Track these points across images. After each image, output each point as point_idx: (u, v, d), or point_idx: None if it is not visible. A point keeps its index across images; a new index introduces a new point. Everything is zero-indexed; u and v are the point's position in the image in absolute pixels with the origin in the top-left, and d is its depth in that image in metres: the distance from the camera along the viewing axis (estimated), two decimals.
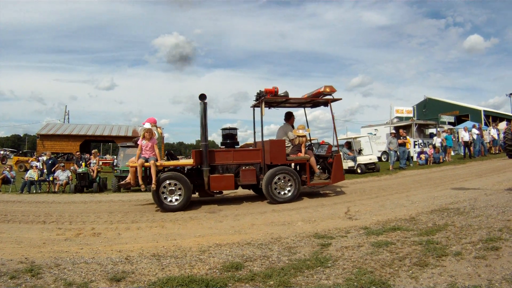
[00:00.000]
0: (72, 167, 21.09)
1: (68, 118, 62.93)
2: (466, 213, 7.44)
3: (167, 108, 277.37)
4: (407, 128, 29.62)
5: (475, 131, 26.65)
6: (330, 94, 12.16)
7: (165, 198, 10.55)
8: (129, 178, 11.24)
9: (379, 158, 27.80)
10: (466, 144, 26.09)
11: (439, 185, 12.39)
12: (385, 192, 11.82)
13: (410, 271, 4.42)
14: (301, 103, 13.49)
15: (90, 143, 50.73)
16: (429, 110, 52.21)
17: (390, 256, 4.99)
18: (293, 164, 12.23)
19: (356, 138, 24.59)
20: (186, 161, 11.48)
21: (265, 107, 12.05)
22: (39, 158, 25.35)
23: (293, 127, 12.72)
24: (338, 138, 12.60)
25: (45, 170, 20.14)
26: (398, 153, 21.64)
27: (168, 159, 11.66)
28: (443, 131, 29.03)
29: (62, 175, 18.81)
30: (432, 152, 24.61)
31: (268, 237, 6.54)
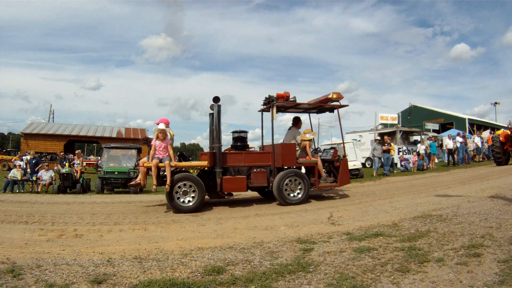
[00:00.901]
0: (55, 167, 20.97)
1: (53, 117, 62.68)
2: (449, 219, 7.47)
3: (152, 110, 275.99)
4: (391, 135, 29.77)
5: (459, 139, 26.91)
6: (338, 101, 12.42)
7: (178, 198, 10.55)
8: (139, 178, 11.40)
9: (363, 164, 27.98)
10: (450, 152, 26.34)
11: (422, 192, 12.46)
12: (368, 198, 11.85)
13: (392, 277, 4.43)
14: (308, 109, 13.67)
15: (74, 143, 50.60)
16: (414, 117, 52.60)
17: (372, 262, 5.00)
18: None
19: (339, 144, 24.66)
20: (200, 163, 11.54)
21: (264, 111, 12.96)
22: (23, 157, 25.20)
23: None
24: (321, 144, 12.75)
25: (28, 170, 20.02)
26: (382, 160, 21.76)
27: (179, 160, 11.66)
28: (427, 138, 29.23)
29: (45, 175, 18.71)
30: (416, 159, 24.77)
31: (250, 241, 6.52)
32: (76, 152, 23.46)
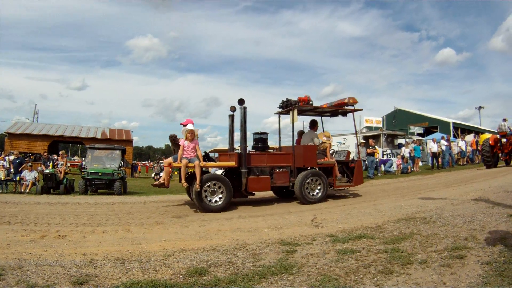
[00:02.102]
0: (39, 168, 20.83)
1: (38, 117, 62.27)
2: (433, 222, 7.49)
3: (137, 111, 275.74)
4: (376, 138, 29.91)
5: (443, 142, 27.15)
6: (352, 105, 12.98)
7: (206, 197, 10.74)
8: (163, 178, 11.47)
9: None
10: (434, 155, 26.56)
11: (406, 195, 12.54)
12: (352, 201, 11.93)
13: (375, 279, 4.42)
14: (323, 112, 14.06)
15: (58, 143, 50.20)
16: (399, 120, 52.83)
17: (355, 264, 4.99)
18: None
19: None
20: (228, 163, 11.77)
21: (281, 113, 13.69)
22: (6, 157, 24.98)
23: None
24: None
25: (12, 170, 19.86)
26: (367, 163, 21.83)
27: (205, 161, 11.69)
28: (412, 142, 29.40)
29: (29, 176, 18.59)
30: (401, 162, 24.92)
31: (233, 243, 6.48)
32: (60, 152, 23.39)
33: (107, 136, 46.06)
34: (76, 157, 56.62)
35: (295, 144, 13.01)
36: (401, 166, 25.08)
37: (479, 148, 31.96)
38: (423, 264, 4.87)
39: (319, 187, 12.00)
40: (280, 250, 5.90)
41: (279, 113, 13.88)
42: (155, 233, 7.69)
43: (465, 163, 30.48)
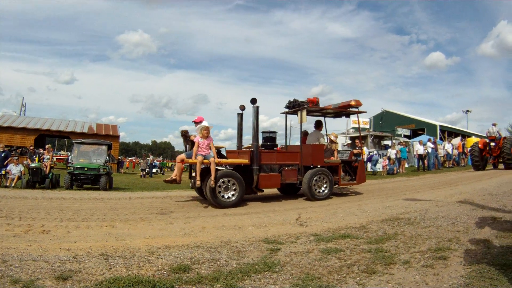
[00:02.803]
0: (25, 162, 20.70)
1: (25, 110, 61.89)
2: (417, 223, 7.53)
3: (125, 106, 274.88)
4: (363, 139, 30.05)
5: (430, 144, 27.37)
6: (357, 107, 13.62)
7: (219, 193, 10.96)
8: (175, 174, 11.50)
9: None
10: (420, 157, 26.78)
11: (391, 196, 12.62)
12: (337, 201, 11.98)
13: (358, 278, 4.44)
14: (328, 113, 14.64)
15: (45, 137, 49.77)
16: (386, 122, 53.01)
17: (339, 263, 5.01)
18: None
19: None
20: (241, 160, 11.97)
21: (288, 113, 14.20)
22: None
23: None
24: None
25: None
26: None
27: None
28: (398, 143, 29.56)
29: (14, 169, 18.44)
30: (387, 163, 25.04)
31: (218, 240, 6.48)
32: (46, 146, 23.23)
33: (94, 131, 45.79)
34: (62, 152, 56.38)
35: (299, 144, 13.62)
36: (387, 167, 25.21)
37: (465, 151, 32.56)
38: (406, 264, 4.90)
39: (325, 185, 12.47)
40: (264, 248, 5.91)
41: (286, 113, 14.28)
42: (140, 229, 7.67)
43: (451, 165, 30.70)
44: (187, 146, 12.36)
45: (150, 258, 5.34)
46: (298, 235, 6.79)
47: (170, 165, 60.84)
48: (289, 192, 14.03)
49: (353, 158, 14.71)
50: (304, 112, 12.82)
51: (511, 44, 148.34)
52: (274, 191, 14.10)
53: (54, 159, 22.92)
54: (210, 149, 11.27)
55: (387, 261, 4.99)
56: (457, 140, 36.66)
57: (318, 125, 14.36)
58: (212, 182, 10.63)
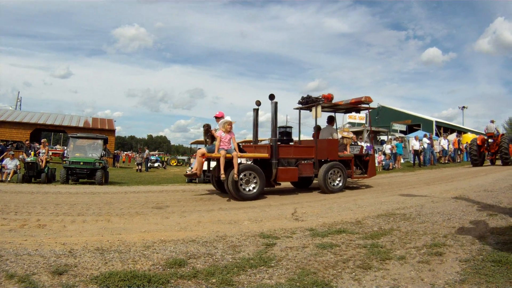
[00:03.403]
0: (21, 156, 20.66)
1: (20, 105, 61.88)
2: (412, 219, 7.54)
3: (121, 100, 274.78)
4: (358, 134, 30.12)
5: (426, 140, 27.49)
6: (368, 103, 14.10)
7: (241, 185, 11.29)
8: (196, 168, 11.85)
9: None
10: (416, 153, 26.88)
11: (387, 191, 12.67)
12: (332, 196, 11.95)
13: (353, 273, 4.44)
14: (339, 109, 15.18)
15: (41, 132, 49.73)
16: (382, 117, 53.07)
17: (334, 258, 5.01)
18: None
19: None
20: (261, 154, 12.28)
21: (302, 109, 14.59)
22: None
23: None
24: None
25: None
26: None
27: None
28: (394, 139, 29.62)
29: (10, 164, 18.42)
30: (383, 158, 25.09)
31: (213, 235, 6.47)
32: (42, 141, 23.16)
33: (89, 125, 45.76)
34: (58, 146, 56.16)
35: (312, 139, 14.70)
36: (383, 162, 25.26)
37: (461, 147, 32.78)
38: (401, 260, 4.90)
39: (339, 178, 12.96)
40: (259, 243, 5.90)
41: (299, 109, 14.66)
42: (135, 223, 7.66)
43: (446, 161, 30.85)
44: (207, 140, 12.56)
45: (146, 252, 5.33)
46: (294, 230, 6.79)
47: (166, 159, 60.90)
48: (302, 185, 14.42)
49: (363, 152, 15.35)
50: (319, 108, 13.25)
51: (507, 41, 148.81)
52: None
53: (50, 153, 22.85)
54: (232, 143, 11.54)
55: (383, 257, 4.99)
56: (453, 136, 36.81)
57: (331, 120, 14.79)
58: (235, 176, 10.92)
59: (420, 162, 27.17)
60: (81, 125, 44.98)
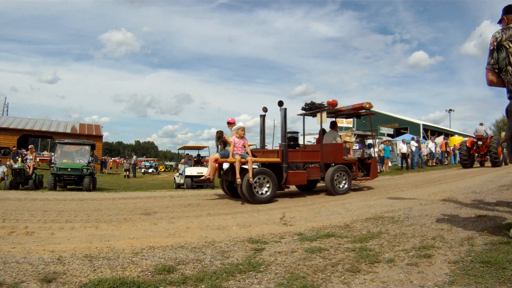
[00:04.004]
0: (8, 162, 20.57)
1: (7, 110, 61.67)
2: (401, 221, 7.57)
3: (108, 106, 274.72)
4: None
5: (414, 143, 27.66)
6: (368, 109, 14.65)
7: (254, 188, 11.62)
8: (209, 173, 12.10)
9: None
10: (404, 156, 27.11)
11: (375, 194, 12.76)
12: (321, 200, 12.04)
13: (342, 277, 4.44)
14: (341, 114, 16.04)
15: (28, 138, 49.53)
16: (369, 121, 53.16)
17: (323, 262, 5.01)
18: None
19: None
20: (273, 159, 12.73)
21: (306, 115, 15.28)
22: None
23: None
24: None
25: None
26: None
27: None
28: (381, 142, 29.79)
29: None
30: None
31: (202, 240, 6.47)
32: (29, 147, 23.08)
33: (77, 131, 45.69)
34: (45, 152, 56.00)
35: (315, 143, 15.76)
36: None
37: (448, 149, 32.93)
38: (390, 263, 4.90)
39: (344, 181, 13.54)
40: (248, 248, 5.90)
41: (304, 115, 15.30)
42: (124, 230, 7.63)
43: (434, 164, 31.09)
44: (219, 146, 12.84)
45: (135, 259, 5.31)
46: (283, 235, 6.79)
47: (154, 165, 60.94)
48: (307, 188, 15.02)
49: (365, 155, 16.19)
50: (324, 114, 13.86)
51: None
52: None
53: (37, 159, 22.76)
54: (245, 148, 11.97)
55: (372, 260, 5.00)
56: (440, 139, 37.04)
57: (333, 125, 15.32)
58: (251, 180, 11.25)
59: (408, 165, 27.38)
60: (68, 131, 44.89)
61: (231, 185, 12.82)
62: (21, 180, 17.99)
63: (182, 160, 25.00)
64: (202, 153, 27.92)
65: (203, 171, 21.31)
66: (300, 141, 17.04)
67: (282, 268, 4.82)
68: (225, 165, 13.22)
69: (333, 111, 14.61)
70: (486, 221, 7.19)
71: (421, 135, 46.50)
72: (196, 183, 13.81)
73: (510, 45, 5.46)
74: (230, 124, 13.05)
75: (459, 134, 46.70)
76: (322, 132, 14.85)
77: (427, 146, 31.06)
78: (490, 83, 5.83)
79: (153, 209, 10.58)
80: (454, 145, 34.23)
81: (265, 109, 13.82)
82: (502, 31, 5.65)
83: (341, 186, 13.39)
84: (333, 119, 15.91)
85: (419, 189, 13.73)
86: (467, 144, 25.53)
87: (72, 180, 18.29)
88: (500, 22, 5.95)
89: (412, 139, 29.54)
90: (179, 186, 21.74)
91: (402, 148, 27.17)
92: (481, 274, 4.32)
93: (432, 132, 53.48)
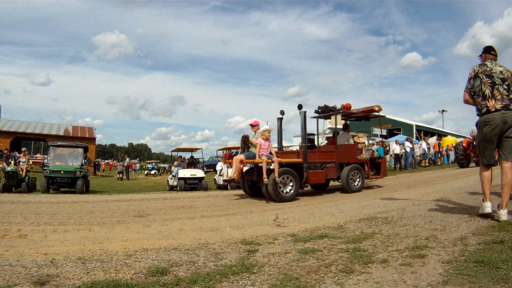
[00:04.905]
0: (0, 165, 20.48)
1: (0, 113, 61.25)
2: (394, 222, 7.58)
3: (101, 108, 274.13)
4: None
5: (408, 144, 27.81)
6: (378, 112, 15.31)
7: (280, 188, 12.13)
8: (233, 173, 12.57)
9: None
10: (397, 157, 27.25)
11: (368, 195, 12.78)
12: (314, 201, 12.02)
13: (336, 278, 4.44)
14: (351, 117, 16.55)
15: (21, 140, 49.33)
16: (362, 122, 53.21)
17: (317, 263, 5.00)
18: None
19: (288, 147, 25.10)
20: (296, 159, 13.41)
21: (319, 118, 16.04)
22: None
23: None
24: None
25: None
26: None
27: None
28: (375, 143, 29.86)
29: None
30: None
31: (195, 242, 6.45)
32: (22, 150, 22.99)
33: (70, 133, 45.57)
34: (38, 155, 55.72)
35: (328, 144, 16.83)
36: None
37: (441, 150, 33.10)
38: (384, 263, 4.91)
39: (358, 179, 14.28)
40: (241, 249, 5.89)
41: (317, 118, 16.04)
42: (117, 232, 7.61)
43: (427, 164, 31.22)
44: (244, 148, 13.07)
45: (128, 261, 5.30)
46: (276, 236, 6.79)
47: (145, 167, 61.04)
48: (321, 187, 15.61)
49: (375, 155, 17.61)
50: (339, 116, 14.86)
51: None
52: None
53: (30, 162, 22.65)
54: (270, 150, 12.49)
55: (365, 260, 4.99)
56: (433, 140, 37.17)
57: (345, 127, 16.20)
58: (277, 179, 11.73)
59: (401, 165, 27.48)
60: (61, 133, 44.75)
61: (254, 185, 13.61)
62: (14, 183, 17.94)
63: (176, 162, 24.96)
64: (195, 155, 27.98)
65: (196, 173, 21.79)
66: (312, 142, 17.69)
67: (275, 269, 4.81)
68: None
69: (345, 114, 15.17)
70: (479, 221, 7.23)
71: (414, 136, 46.63)
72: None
73: (484, 77, 7.25)
74: (253, 126, 13.56)
75: (452, 135, 46.82)
76: (337, 133, 15.38)
77: (420, 146, 31.18)
78: (466, 102, 7.73)
79: (146, 211, 10.57)
80: (447, 145, 34.43)
81: (282, 112, 14.64)
82: (479, 65, 7.46)
83: (355, 184, 14.08)
84: (346, 122, 16.54)
85: (413, 189, 13.81)
86: (464, 145, 26.27)
87: (65, 183, 18.25)
88: (480, 56, 7.75)
89: (407, 139, 29.66)
90: (172, 188, 21.72)
91: (395, 148, 27.31)
92: (475, 273, 4.32)
93: (425, 132, 53.65)
